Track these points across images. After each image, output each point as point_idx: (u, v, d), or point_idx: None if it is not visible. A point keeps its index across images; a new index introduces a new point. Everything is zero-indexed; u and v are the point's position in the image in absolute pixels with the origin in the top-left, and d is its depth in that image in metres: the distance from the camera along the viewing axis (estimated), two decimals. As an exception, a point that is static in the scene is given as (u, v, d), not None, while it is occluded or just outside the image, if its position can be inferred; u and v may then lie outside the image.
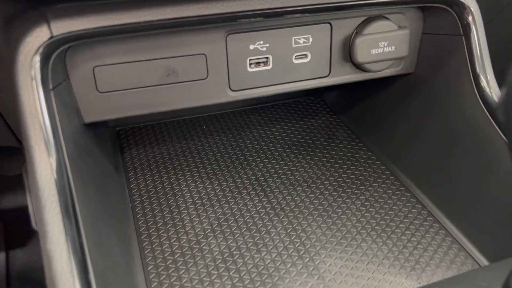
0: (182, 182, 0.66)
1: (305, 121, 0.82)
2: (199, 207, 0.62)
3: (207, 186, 0.66)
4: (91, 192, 0.47)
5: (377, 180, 0.67)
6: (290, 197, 0.64)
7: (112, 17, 0.45)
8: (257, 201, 0.63)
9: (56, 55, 0.44)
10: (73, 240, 0.39)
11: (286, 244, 0.56)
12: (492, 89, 0.56)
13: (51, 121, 0.42)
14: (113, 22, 0.45)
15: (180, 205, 0.62)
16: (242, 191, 0.65)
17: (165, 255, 0.55)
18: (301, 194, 0.65)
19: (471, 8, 0.57)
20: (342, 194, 0.65)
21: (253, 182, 0.67)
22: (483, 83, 0.56)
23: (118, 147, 0.74)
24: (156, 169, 0.69)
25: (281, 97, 0.89)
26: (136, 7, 0.45)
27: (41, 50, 0.42)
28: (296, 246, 0.56)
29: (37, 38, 0.42)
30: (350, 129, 0.80)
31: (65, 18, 0.43)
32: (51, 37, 0.42)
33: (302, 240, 0.57)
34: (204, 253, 0.55)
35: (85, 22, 0.44)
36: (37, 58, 0.42)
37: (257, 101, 0.88)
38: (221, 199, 0.63)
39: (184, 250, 0.55)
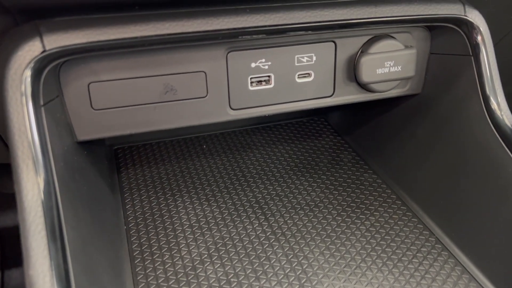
0: (179, 204, 0.64)
1: (308, 142, 0.80)
2: (196, 231, 0.59)
3: (205, 208, 0.63)
4: (81, 214, 0.45)
5: (383, 204, 0.65)
6: (292, 221, 0.61)
7: (108, 31, 0.43)
8: (257, 225, 0.60)
9: (49, 70, 0.43)
10: (58, 266, 0.36)
11: (286, 272, 0.53)
12: (503, 112, 0.54)
13: (41, 139, 0.40)
14: (109, 36, 0.43)
15: (177, 228, 0.59)
16: (241, 214, 0.62)
17: (159, 281, 0.52)
18: (303, 218, 0.62)
19: (480, 28, 0.55)
20: (346, 219, 0.62)
21: (253, 205, 0.64)
22: (494, 105, 0.54)
23: (115, 166, 0.71)
24: (153, 189, 0.66)
25: (284, 117, 0.87)
26: (134, 21, 0.44)
27: (32, 64, 0.40)
28: (297, 274, 0.53)
29: (28, 52, 0.40)
30: (355, 151, 0.77)
31: (59, 31, 0.41)
32: (44, 51, 0.41)
33: (304, 267, 0.54)
34: (200, 280, 0.52)
35: (80, 36, 0.42)
36: (28, 73, 0.40)
37: (259, 121, 0.86)
38: (219, 222, 0.60)
39: (179, 276, 0.52)
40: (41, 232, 0.37)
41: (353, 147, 0.78)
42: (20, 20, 0.45)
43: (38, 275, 0.35)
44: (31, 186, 0.38)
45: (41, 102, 0.42)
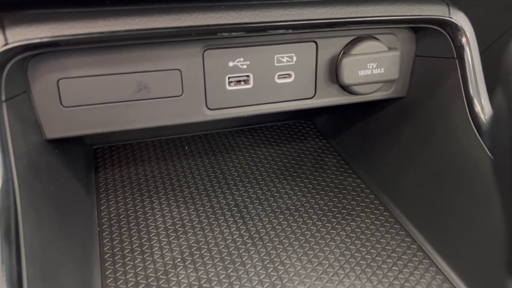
0: (156, 206, 0.62)
1: (293, 145, 0.78)
2: (171, 234, 0.57)
3: (182, 211, 0.61)
4: (45, 215, 0.43)
5: (365, 210, 0.63)
6: (270, 226, 0.59)
7: (75, 25, 0.41)
8: (234, 228, 0.59)
9: (15, 64, 0.41)
10: (9, 270, 0.34)
11: (261, 278, 0.52)
12: (487, 115, 0.52)
13: (1, 136, 0.38)
14: (75, 31, 0.42)
15: (151, 230, 0.58)
16: (219, 217, 0.61)
17: (128, 286, 0.50)
18: (282, 222, 0.60)
19: (465, 30, 0.54)
20: (326, 224, 0.60)
21: (232, 208, 0.62)
22: (477, 108, 0.52)
23: (93, 166, 0.70)
24: (130, 190, 0.65)
25: (270, 119, 0.85)
26: (103, 16, 0.42)
27: (-8, 58, 0.39)
28: (272, 280, 0.52)
29: None
30: (340, 155, 0.76)
31: (23, 25, 0.40)
32: (5, 44, 0.39)
33: (280, 273, 0.52)
34: (171, 285, 0.50)
35: (45, 30, 0.41)
36: (-12, 66, 0.38)
37: (244, 122, 0.84)
38: (195, 225, 0.59)
39: (149, 281, 0.51)
40: (-6, 232, 0.35)
41: (338, 150, 0.77)
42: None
43: (-12, 278, 0.33)
44: (-14, 182, 0.37)
45: (3, 98, 0.40)
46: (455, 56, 0.55)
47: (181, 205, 0.62)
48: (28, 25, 0.40)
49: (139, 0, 0.45)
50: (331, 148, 0.78)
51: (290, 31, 0.52)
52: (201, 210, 0.62)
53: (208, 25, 0.45)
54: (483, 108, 0.52)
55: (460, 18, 0.54)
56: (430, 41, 0.58)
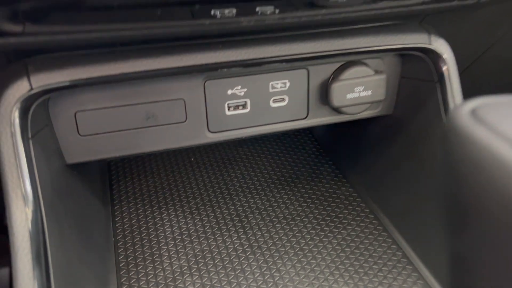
0: (165, 217, 0.68)
1: (291, 155, 0.84)
2: (178, 243, 0.64)
3: (189, 221, 0.68)
4: (67, 234, 0.50)
5: (356, 218, 0.69)
6: (269, 234, 0.65)
7: (89, 69, 0.47)
8: (235, 237, 0.65)
9: (38, 104, 0.47)
10: (41, 286, 0.41)
11: (259, 284, 0.58)
12: (463, 137, 0.57)
13: (29, 169, 0.45)
14: (90, 74, 0.47)
15: (161, 240, 0.64)
16: (222, 227, 0.67)
17: (141, 292, 0.57)
18: (279, 231, 0.66)
19: (445, 57, 0.58)
20: (319, 232, 0.66)
21: (234, 218, 0.68)
22: (455, 130, 0.57)
23: (108, 179, 0.76)
24: (141, 202, 0.71)
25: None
26: (113, 59, 0.48)
27: (20, 102, 0.44)
28: (269, 286, 0.58)
29: (17, 91, 0.45)
30: (335, 165, 0.81)
31: (45, 71, 0.46)
32: (31, 89, 0.45)
33: (275, 280, 0.59)
34: (178, 291, 0.57)
35: (64, 75, 0.46)
36: (17, 110, 0.44)
37: None
38: (200, 235, 0.65)
39: (160, 287, 0.57)
40: (28, 256, 0.42)
41: (333, 161, 0.82)
42: (12, 57, 0.50)
43: (23, 294, 0.40)
44: (19, 213, 0.43)
45: (29, 135, 0.46)
46: (436, 80, 0.60)
47: (187, 215, 0.69)
48: (49, 71, 0.46)
49: (144, 41, 0.50)
50: (327, 157, 0.83)
51: (284, 63, 0.57)
52: (206, 220, 0.68)
53: (207, 64, 0.51)
54: (459, 130, 0.57)
55: (440, 45, 0.58)
56: (414, 65, 0.62)
